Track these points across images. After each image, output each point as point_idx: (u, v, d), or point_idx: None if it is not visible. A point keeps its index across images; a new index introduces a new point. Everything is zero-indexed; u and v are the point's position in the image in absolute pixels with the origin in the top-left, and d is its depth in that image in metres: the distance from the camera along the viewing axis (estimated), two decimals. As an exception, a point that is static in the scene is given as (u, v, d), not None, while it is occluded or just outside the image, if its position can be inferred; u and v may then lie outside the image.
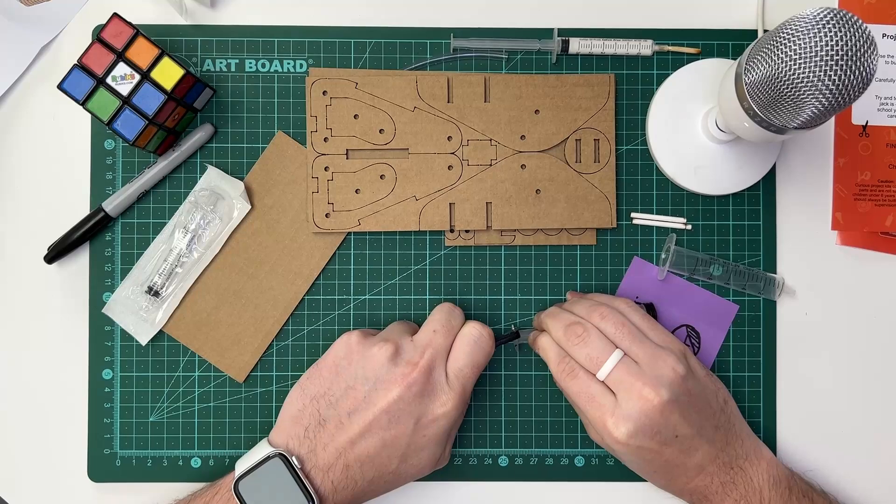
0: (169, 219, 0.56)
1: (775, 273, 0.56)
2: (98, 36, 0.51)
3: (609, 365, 0.47)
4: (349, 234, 0.56)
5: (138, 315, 0.55)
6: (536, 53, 0.56)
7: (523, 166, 0.55)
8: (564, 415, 0.56)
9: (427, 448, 0.49)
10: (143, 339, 0.56)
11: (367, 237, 0.56)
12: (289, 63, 0.56)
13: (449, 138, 0.55)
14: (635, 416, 0.46)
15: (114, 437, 0.56)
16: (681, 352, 0.50)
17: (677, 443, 0.47)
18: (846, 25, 0.39)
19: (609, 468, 0.56)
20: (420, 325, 0.52)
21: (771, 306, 0.56)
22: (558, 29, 0.56)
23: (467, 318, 0.57)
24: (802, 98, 0.40)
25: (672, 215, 0.56)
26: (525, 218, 0.55)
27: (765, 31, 0.56)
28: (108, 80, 0.51)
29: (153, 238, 0.56)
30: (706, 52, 0.56)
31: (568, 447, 0.56)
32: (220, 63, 0.56)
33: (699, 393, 0.49)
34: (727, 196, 0.56)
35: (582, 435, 0.56)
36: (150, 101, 0.51)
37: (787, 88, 0.41)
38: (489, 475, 0.56)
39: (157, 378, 0.56)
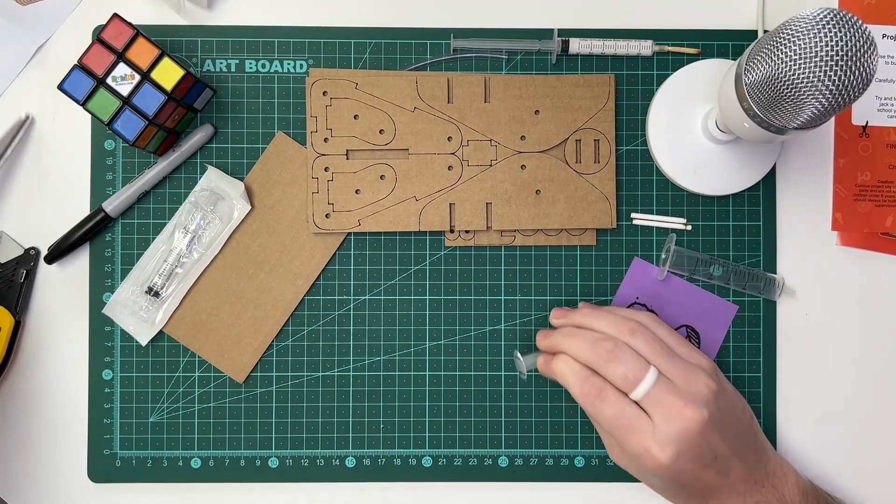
0: (169, 219, 0.56)
1: (775, 273, 0.56)
2: (98, 36, 0.51)
3: (646, 384, 0.44)
4: (349, 234, 0.56)
5: (138, 315, 0.55)
6: (536, 54, 0.56)
7: (523, 167, 0.55)
8: (564, 415, 0.56)
9: None
10: (143, 340, 0.56)
11: (367, 237, 0.56)
12: (289, 63, 0.56)
13: (449, 139, 0.55)
14: (675, 437, 0.44)
15: (114, 438, 0.56)
16: (711, 368, 0.48)
17: (715, 464, 0.45)
18: (846, 26, 0.39)
19: (609, 469, 0.56)
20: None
21: (771, 306, 0.56)
22: (558, 29, 0.56)
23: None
24: (802, 98, 0.40)
25: (672, 215, 0.56)
26: (525, 218, 0.55)
27: (765, 31, 0.56)
28: (109, 81, 0.51)
29: (153, 238, 0.56)
30: (706, 53, 0.56)
31: (568, 447, 0.56)
32: (220, 63, 0.56)
33: (730, 409, 0.47)
34: (727, 196, 0.56)
35: (583, 435, 0.56)
36: (151, 102, 0.51)
37: (787, 89, 0.41)
38: (489, 475, 0.56)
39: (157, 378, 0.56)
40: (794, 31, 0.40)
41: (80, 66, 0.51)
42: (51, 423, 0.56)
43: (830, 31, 0.39)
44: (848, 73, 0.39)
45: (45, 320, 0.56)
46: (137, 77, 0.51)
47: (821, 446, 0.56)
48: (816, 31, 0.39)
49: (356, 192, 0.55)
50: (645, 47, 0.56)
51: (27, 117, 0.51)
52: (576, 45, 0.55)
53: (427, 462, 0.56)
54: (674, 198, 0.56)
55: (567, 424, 0.56)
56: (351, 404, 0.56)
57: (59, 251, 0.55)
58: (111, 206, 0.55)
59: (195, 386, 0.56)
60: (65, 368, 0.56)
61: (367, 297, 0.56)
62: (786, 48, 0.40)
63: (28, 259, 0.56)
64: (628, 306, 0.56)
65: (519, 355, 0.52)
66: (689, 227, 0.56)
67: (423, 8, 0.57)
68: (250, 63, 0.56)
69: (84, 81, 0.51)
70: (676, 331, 0.56)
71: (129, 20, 0.51)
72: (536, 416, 0.56)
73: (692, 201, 0.56)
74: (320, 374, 0.56)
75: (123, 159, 0.56)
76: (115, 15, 0.51)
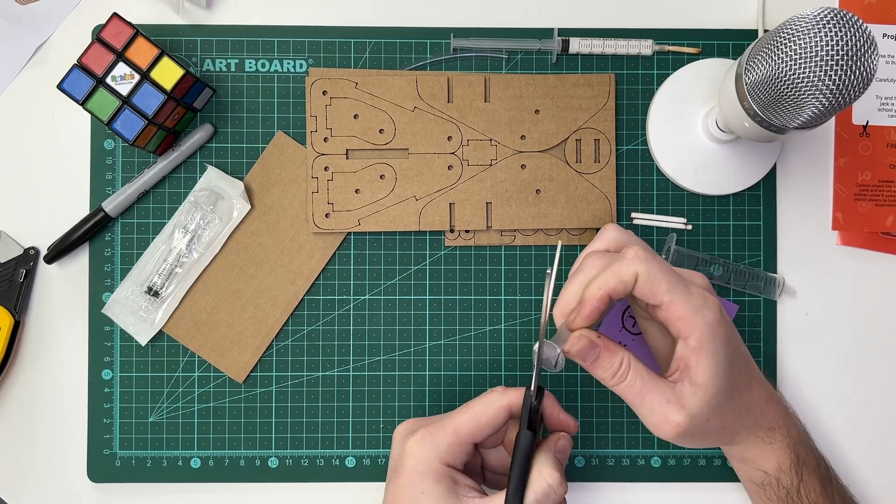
0: (169, 219, 0.56)
1: (775, 273, 0.56)
2: (98, 36, 0.51)
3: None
4: (349, 234, 0.56)
5: (138, 315, 0.55)
6: (536, 53, 0.56)
7: (523, 166, 0.55)
8: (564, 415, 0.56)
9: None
10: (143, 340, 0.56)
11: (367, 237, 0.56)
12: (289, 63, 0.56)
13: (449, 138, 0.55)
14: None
15: (114, 438, 0.56)
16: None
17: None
18: (846, 25, 0.39)
19: (609, 468, 0.56)
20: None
21: (771, 306, 0.56)
22: (558, 29, 0.56)
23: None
24: (803, 98, 0.40)
25: (672, 215, 0.56)
26: (525, 218, 0.55)
27: (765, 31, 0.56)
28: (108, 80, 0.51)
29: (153, 238, 0.56)
30: (706, 52, 0.56)
31: (568, 447, 0.56)
32: (220, 63, 0.56)
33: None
34: (727, 196, 0.56)
35: (583, 435, 0.56)
36: (150, 101, 0.51)
37: (788, 88, 0.41)
38: (489, 475, 0.56)
39: (157, 378, 0.56)
40: (794, 31, 0.40)
41: (80, 66, 0.51)
42: (51, 423, 0.56)
43: (830, 31, 0.39)
44: (848, 72, 0.39)
45: (45, 320, 0.56)
46: (137, 76, 0.51)
47: (820, 445, 0.56)
48: (817, 30, 0.39)
49: (356, 191, 0.55)
50: (645, 47, 0.56)
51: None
52: (576, 45, 0.55)
53: (427, 462, 0.56)
54: (674, 197, 0.56)
55: (567, 424, 0.56)
56: (351, 404, 0.56)
57: (59, 251, 0.55)
58: (111, 205, 0.55)
59: (195, 386, 0.56)
60: (65, 368, 0.56)
61: (366, 296, 0.56)
62: (786, 48, 0.40)
63: (28, 259, 0.56)
64: (627, 307, 0.56)
65: (542, 344, 0.42)
66: (689, 227, 0.56)
67: (423, 8, 0.57)
68: (250, 63, 0.56)
69: (83, 81, 0.51)
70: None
71: (128, 20, 0.51)
72: (536, 415, 0.56)
73: (692, 201, 0.56)
74: (320, 374, 0.56)
75: (123, 159, 0.56)
76: (115, 14, 0.51)
